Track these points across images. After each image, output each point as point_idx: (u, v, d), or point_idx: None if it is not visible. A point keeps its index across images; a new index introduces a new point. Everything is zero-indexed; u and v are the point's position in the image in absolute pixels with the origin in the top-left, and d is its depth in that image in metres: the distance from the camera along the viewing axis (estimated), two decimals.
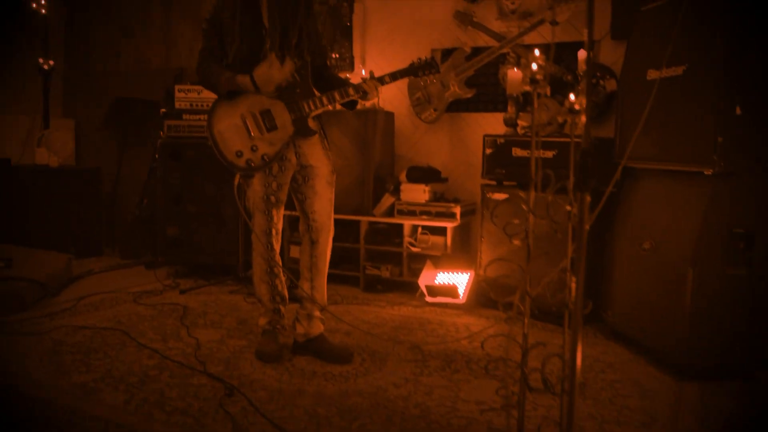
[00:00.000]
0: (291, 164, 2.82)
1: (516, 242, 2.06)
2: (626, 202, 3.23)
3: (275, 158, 2.72)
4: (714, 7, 2.66)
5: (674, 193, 2.87)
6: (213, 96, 4.19)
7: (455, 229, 4.00)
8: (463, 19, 4.20)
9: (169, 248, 4.30)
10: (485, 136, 3.81)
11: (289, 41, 2.72)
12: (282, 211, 2.88)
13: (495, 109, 4.25)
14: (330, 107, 2.81)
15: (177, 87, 4.30)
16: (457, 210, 4.01)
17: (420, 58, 2.91)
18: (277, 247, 2.89)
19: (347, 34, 4.58)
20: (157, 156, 4.32)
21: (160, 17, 5.50)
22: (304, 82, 2.79)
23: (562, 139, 3.47)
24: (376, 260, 4.16)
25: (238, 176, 2.80)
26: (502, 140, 3.74)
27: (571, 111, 1.70)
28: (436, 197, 4.18)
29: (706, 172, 2.63)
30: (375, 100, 2.96)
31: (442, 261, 3.98)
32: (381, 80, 2.80)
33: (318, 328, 2.92)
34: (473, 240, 4.25)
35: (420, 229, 4.07)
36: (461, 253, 4.11)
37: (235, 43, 2.69)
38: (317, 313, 2.92)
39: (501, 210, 3.67)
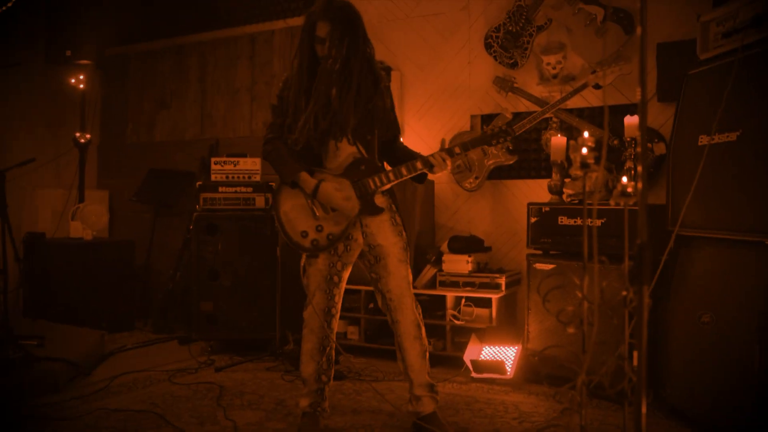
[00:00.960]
0: (357, 244, 2.88)
1: (570, 330, 2.05)
2: (681, 273, 3.20)
3: (341, 238, 2.79)
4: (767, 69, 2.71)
5: (733, 264, 2.85)
6: (252, 168, 4.43)
7: (500, 300, 4.00)
8: (503, 85, 4.30)
9: (203, 324, 4.36)
10: (530, 204, 3.85)
11: (356, 121, 2.77)
12: (342, 291, 2.92)
13: (538, 176, 4.30)
14: (396, 182, 2.83)
15: (213, 159, 4.46)
16: (502, 280, 4.02)
17: (494, 127, 2.91)
18: (334, 326, 2.94)
19: None
20: (191, 228, 4.43)
21: (195, 90, 5.75)
22: (370, 156, 2.84)
23: (611, 206, 3.47)
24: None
25: (304, 256, 2.88)
26: (547, 208, 3.78)
27: (624, 194, 1.74)
28: (480, 268, 4.20)
29: (767, 242, 2.62)
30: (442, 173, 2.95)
31: (487, 334, 3.96)
32: (450, 152, 2.78)
33: (428, 406, 2.90)
34: (519, 311, 4.24)
35: (463, 301, 4.08)
36: (507, 326, 4.08)
37: (299, 123, 2.75)
38: (419, 392, 2.91)
39: (548, 280, 3.68)
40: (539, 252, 3.83)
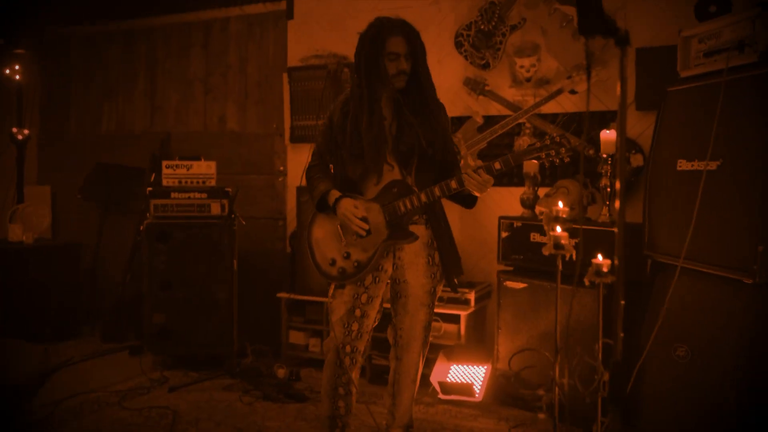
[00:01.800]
0: (387, 275, 2.81)
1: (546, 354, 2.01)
2: (657, 301, 3.21)
3: (369, 265, 2.72)
4: (754, 94, 2.69)
5: (711, 299, 2.86)
6: (206, 173, 4.32)
7: (469, 316, 3.99)
8: (475, 86, 4.24)
9: (155, 338, 4.27)
10: (501, 218, 3.83)
11: (420, 146, 2.70)
12: (368, 328, 2.82)
13: (510, 183, 4.27)
14: (429, 203, 2.71)
15: (165, 163, 4.33)
16: (471, 296, 4.01)
17: (549, 137, 2.65)
18: (352, 372, 2.81)
19: None
20: (142, 234, 4.31)
21: (145, 80, 5.57)
22: (405, 178, 2.75)
23: (587, 227, 3.48)
24: (384, 349, 4.13)
25: (332, 286, 2.81)
26: (519, 224, 3.76)
27: (599, 274, 1.71)
28: None
29: (746, 281, 2.64)
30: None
31: (455, 352, 3.96)
32: (489, 169, 2.61)
33: None
34: (489, 326, 4.24)
35: None
36: (477, 343, 4.09)
37: (346, 145, 2.71)
38: (398, 431, 2.93)
39: (520, 298, 3.68)
40: (510, 268, 3.82)
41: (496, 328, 3.80)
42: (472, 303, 4.01)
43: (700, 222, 2.88)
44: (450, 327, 4.01)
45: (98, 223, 5.37)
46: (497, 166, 2.60)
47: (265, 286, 4.78)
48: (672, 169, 3.08)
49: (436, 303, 3.99)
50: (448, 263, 2.84)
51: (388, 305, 2.91)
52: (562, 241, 1.72)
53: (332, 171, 2.88)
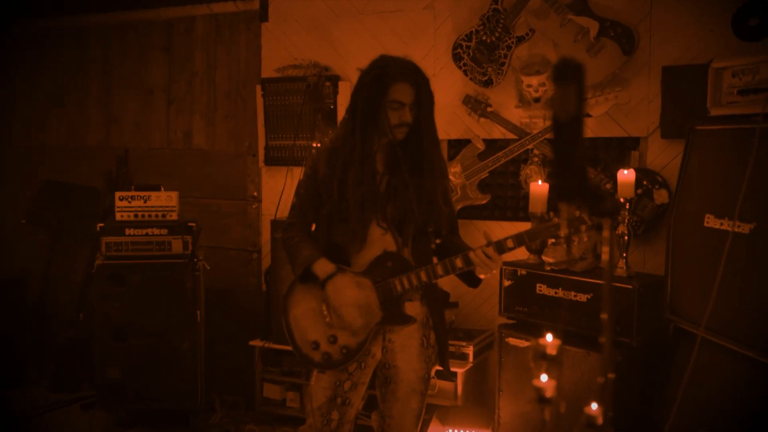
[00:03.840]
0: (374, 360, 2.75)
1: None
2: (678, 371, 3.15)
3: (358, 352, 2.65)
4: None
5: (738, 381, 2.80)
6: (166, 205, 4.25)
7: (467, 373, 3.94)
8: (475, 106, 4.15)
9: (109, 393, 4.21)
10: (504, 264, 3.75)
11: (399, 211, 2.66)
12: (349, 418, 2.77)
13: (515, 218, 4.19)
14: (429, 284, 2.66)
15: (118, 194, 4.25)
16: (470, 350, 3.95)
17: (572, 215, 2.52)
18: None
19: (331, 118, 4.53)
20: (92, 276, 4.24)
21: (99, 86, 5.47)
22: (401, 250, 2.69)
23: (599, 281, 3.40)
24: (369, 407, 4.08)
25: (315, 372, 2.75)
26: (524, 272, 3.69)
27: None
28: None
29: None
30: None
31: (451, 414, 3.90)
32: (500, 246, 2.55)
33: None
34: (491, 381, 4.18)
35: None
36: (475, 404, 4.04)
37: (332, 202, 2.65)
38: None
39: (524, 357, 3.62)
40: (513, 322, 3.76)
41: (497, 390, 3.74)
42: (471, 358, 3.95)
43: (726, 291, 2.82)
44: (445, 384, 3.96)
45: (46, 251, 5.30)
46: (510, 244, 2.55)
47: (237, 329, 4.72)
48: (698, 224, 3.01)
49: None
50: (444, 342, 2.80)
51: (373, 391, 2.86)
52: (547, 394, 1.62)
53: (314, 231, 2.81)
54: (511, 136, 4.11)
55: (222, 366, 4.63)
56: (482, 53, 4.12)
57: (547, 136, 3.98)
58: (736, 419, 2.77)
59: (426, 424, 3.84)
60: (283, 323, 2.74)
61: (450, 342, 3.94)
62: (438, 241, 2.75)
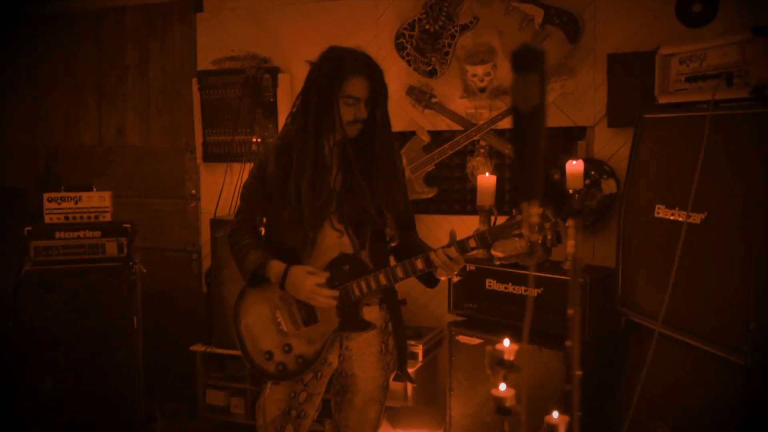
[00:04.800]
0: (331, 369, 2.64)
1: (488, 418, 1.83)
2: (634, 366, 3.11)
3: (315, 361, 2.54)
4: (744, 137, 2.56)
5: (694, 375, 2.77)
6: (99, 206, 4.06)
7: (417, 372, 3.86)
8: (420, 97, 4.06)
9: (41, 408, 4.02)
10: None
11: (354, 210, 2.54)
12: (304, 430, 2.66)
13: (463, 211, 4.13)
14: (389, 287, 2.56)
15: (46, 195, 4.04)
16: (419, 349, 3.88)
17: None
18: None
19: (271, 112, 4.39)
20: (20, 284, 4.04)
21: (25, 82, 5.22)
22: (358, 253, 2.57)
23: (550, 275, 3.34)
24: (322, 413, 3.98)
25: (269, 384, 2.62)
26: (473, 267, 3.62)
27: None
28: None
29: (735, 361, 2.53)
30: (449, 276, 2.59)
31: (401, 416, 3.82)
32: (462, 246, 2.44)
33: None
34: (442, 380, 4.11)
35: None
36: (426, 404, 3.96)
37: (289, 205, 2.50)
38: None
39: (475, 355, 3.55)
40: (463, 319, 3.69)
41: (448, 390, 3.67)
42: (420, 357, 3.88)
43: (681, 283, 2.78)
44: (396, 385, 3.85)
45: None
46: (472, 244, 2.45)
47: (178, 334, 4.57)
48: (649, 214, 2.98)
49: None
50: (403, 347, 2.71)
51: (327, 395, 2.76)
52: (507, 404, 1.53)
53: (263, 235, 2.69)
54: (456, 127, 4.03)
55: (163, 373, 4.47)
56: (425, 42, 4.03)
57: (494, 126, 3.90)
58: (694, 413, 2.74)
59: None
60: (234, 333, 2.64)
61: None
62: (393, 244, 2.64)
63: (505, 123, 3.91)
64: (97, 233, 4.06)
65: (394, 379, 3.45)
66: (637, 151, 3.15)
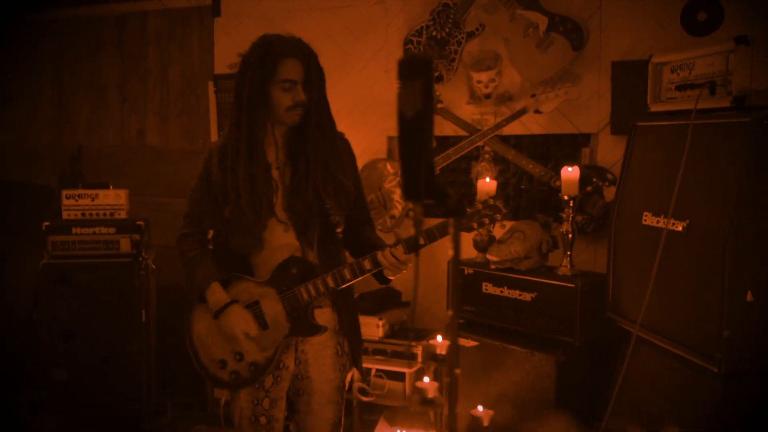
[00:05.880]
0: (288, 372, 2.65)
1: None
2: (621, 369, 3.15)
3: (269, 368, 2.56)
4: (724, 146, 2.60)
5: (672, 379, 2.82)
6: (115, 204, 4.21)
7: (417, 373, 3.93)
8: None
9: (55, 397, 4.18)
10: (450, 262, 3.73)
11: (307, 202, 2.51)
12: (280, 428, 2.68)
13: None
14: (338, 288, 2.54)
15: (65, 192, 4.22)
16: (419, 350, 3.94)
17: (481, 202, 2.48)
18: None
19: None
20: (39, 277, 4.21)
21: (51, 84, 5.42)
22: (305, 254, 2.57)
23: (544, 280, 3.40)
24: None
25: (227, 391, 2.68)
26: (470, 270, 3.68)
27: None
28: (394, 330, 4.09)
29: (709, 368, 2.57)
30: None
31: (400, 416, 3.89)
32: (410, 245, 2.42)
33: None
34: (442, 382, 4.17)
35: (374, 371, 3.99)
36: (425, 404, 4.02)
37: (230, 205, 2.50)
38: None
39: (471, 357, 3.61)
40: (461, 321, 3.74)
41: (443, 391, 3.72)
42: (420, 358, 3.94)
43: (663, 290, 2.82)
44: (396, 385, 3.95)
45: None
46: (421, 241, 2.43)
47: None
48: (638, 221, 3.02)
49: (380, 358, 3.95)
50: (358, 346, 2.73)
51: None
52: (429, 395, 1.61)
53: (211, 239, 2.70)
54: (462, 133, 4.09)
55: (176, 367, 4.58)
56: (432, 49, 4.11)
57: (498, 132, 3.97)
58: (672, 418, 2.77)
59: (375, 422, 3.84)
60: (186, 342, 2.66)
61: (399, 342, 3.97)
62: (339, 230, 2.58)
63: (510, 129, 3.96)
64: (112, 229, 4.21)
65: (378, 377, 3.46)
66: (630, 158, 3.20)
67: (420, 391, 1.62)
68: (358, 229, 2.70)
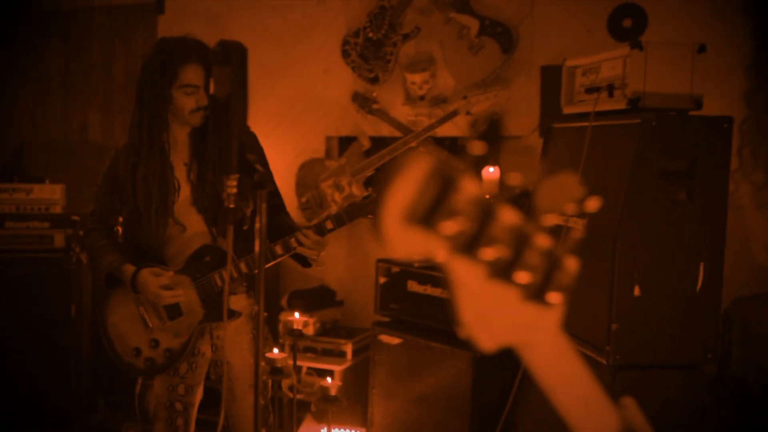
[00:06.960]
0: (205, 359, 2.75)
1: None
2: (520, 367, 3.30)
3: (184, 353, 2.65)
4: (619, 147, 2.77)
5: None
6: (49, 198, 4.33)
7: (346, 371, 4.06)
8: (363, 103, 4.30)
9: None
10: (378, 261, 3.89)
11: (209, 200, 2.63)
12: (192, 420, 2.78)
13: None
14: (250, 274, 2.64)
15: None
16: (348, 347, 4.08)
17: (369, 193, 2.70)
18: None
19: None
20: None
21: None
22: (215, 239, 2.67)
23: None
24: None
25: (140, 380, 2.80)
26: (397, 269, 3.82)
27: None
28: (326, 329, 4.23)
29: (600, 361, 2.73)
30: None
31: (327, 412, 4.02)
32: (320, 229, 2.56)
33: None
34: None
35: (305, 369, 4.12)
36: (355, 402, 4.15)
37: (128, 205, 2.63)
38: None
39: (395, 355, 3.75)
40: (387, 320, 3.89)
41: (370, 388, 3.86)
42: (349, 356, 4.08)
43: (580, 291, 2.96)
44: (323, 383, 4.07)
45: None
46: (329, 225, 2.57)
47: None
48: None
49: (311, 356, 4.08)
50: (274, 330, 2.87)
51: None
52: (278, 364, 1.76)
53: (120, 234, 2.82)
54: (398, 133, 4.24)
55: (110, 365, 4.70)
56: (369, 50, 4.27)
57: (431, 134, 4.12)
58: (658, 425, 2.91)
59: (299, 421, 3.96)
60: (101, 333, 2.75)
61: (330, 340, 4.10)
62: (246, 228, 2.67)
63: (443, 131, 4.13)
64: (46, 224, 4.33)
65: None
66: (546, 160, 3.35)
67: (270, 361, 1.77)
68: (271, 216, 2.76)
